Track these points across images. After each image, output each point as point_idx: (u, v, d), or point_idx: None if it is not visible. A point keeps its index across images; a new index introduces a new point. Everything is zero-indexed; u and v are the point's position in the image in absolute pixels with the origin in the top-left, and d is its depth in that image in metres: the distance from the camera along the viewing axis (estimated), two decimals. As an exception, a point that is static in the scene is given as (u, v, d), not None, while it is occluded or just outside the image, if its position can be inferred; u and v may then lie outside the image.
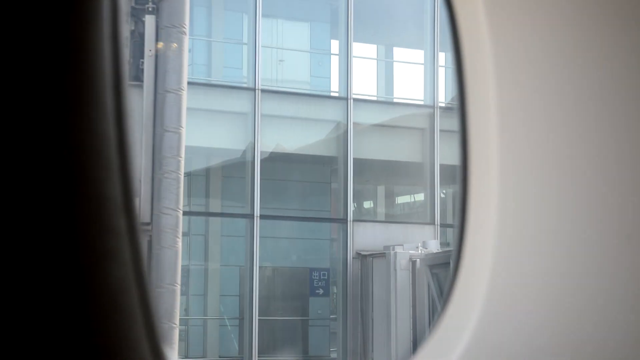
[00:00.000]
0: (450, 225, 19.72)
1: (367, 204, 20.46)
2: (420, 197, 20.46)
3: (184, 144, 9.79)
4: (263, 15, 18.42)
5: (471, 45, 1.69)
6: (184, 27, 9.52)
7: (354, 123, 18.70)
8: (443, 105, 19.66)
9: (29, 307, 0.80)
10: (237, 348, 18.18)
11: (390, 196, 20.68)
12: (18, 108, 0.83)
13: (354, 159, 18.57)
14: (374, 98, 19.87)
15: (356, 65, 19.17)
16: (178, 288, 10.39)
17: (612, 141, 1.65)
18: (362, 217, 19.47)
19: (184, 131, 9.65)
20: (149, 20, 10.40)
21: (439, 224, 19.12)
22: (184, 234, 18.81)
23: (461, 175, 1.74)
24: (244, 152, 18.14)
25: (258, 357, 17.47)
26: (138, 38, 10.60)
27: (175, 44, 9.92)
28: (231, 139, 18.17)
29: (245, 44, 18.65)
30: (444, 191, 19.90)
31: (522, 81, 1.68)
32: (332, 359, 18.62)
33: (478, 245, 1.72)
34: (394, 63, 20.41)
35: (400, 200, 21.27)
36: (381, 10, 19.87)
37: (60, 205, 0.82)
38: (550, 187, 1.68)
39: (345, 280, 18.31)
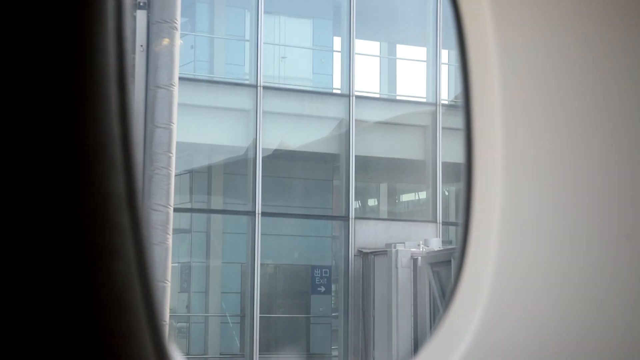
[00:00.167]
0: (452, 223, 19.72)
1: (372, 202, 20.47)
2: (422, 194, 20.46)
3: (175, 140, 9.77)
4: (265, 12, 18.42)
5: (476, 43, 1.68)
6: (176, 23, 9.48)
7: (356, 120, 18.70)
8: (446, 102, 19.65)
9: (33, 303, 0.80)
10: (238, 345, 18.19)
11: (392, 194, 20.68)
12: (22, 104, 0.83)
13: (356, 156, 18.56)
14: (376, 95, 19.86)
15: (359, 62, 19.17)
16: (168, 285, 10.40)
17: (616, 140, 1.64)
18: (366, 214, 19.48)
19: (175, 127, 9.63)
20: (140, 16, 10.37)
21: (440, 221, 19.12)
22: (185, 231, 18.85)
23: (465, 173, 1.73)
24: (246, 149, 18.14)
25: (259, 354, 17.48)
26: (129, 33, 10.54)
27: (168, 39, 9.89)
28: (233, 136, 18.17)
29: (248, 40, 18.65)
30: (448, 189, 19.89)
31: (527, 79, 1.67)
32: (333, 357, 18.63)
33: (482, 244, 1.72)
34: (397, 60, 20.40)
35: (402, 197, 21.27)
36: (384, 7, 19.86)
37: (64, 202, 0.82)
38: (554, 186, 1.68)
39: (346, 278, 18.32)
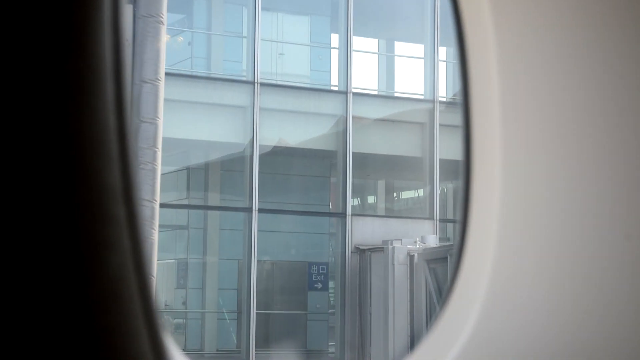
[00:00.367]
0: (450, 220, 19.73)
1: (369, 199, 20.48)
2: (419, 191, 20.47)
3: (160, 134, 9.76)
4: (263, 9, 18.40)
5: (475, 40, 1.68)
6: (162, 17, 9.45)
7: (354, 117, 18.70)
8: (444, 100, 19.65)
9: (28, 296, 0.80)
10: (235, 341, 18.20)
11: (389, 191, 20.69)
12: (18, 96, 0.83)
13: (353, 153, 18.57)
14: (374, 92, 19.86)
15: (357, 59, 19.16)
16: (154, 280, 10.45)
17: (615, 139, 1.64)
18: (363, 211, 19.48)
19: (161, 122, 9.62)
20: (126, 10, 10.34)
21: (438, 218, 19.13)
22: (183, 228, 18.85)
23: (464, 170, 1.73)
24: (243, 145, 18.14)
25: (256, 350, 17.49)
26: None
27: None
28: (230, 133, 18.17)
29: (245, 37, 18.64)
30: (446, 186, 19.90)
31: (526, 77, 1.67)
32: (330, 353, 18.65)
33: (480, 241, 1.72)
34: (395, 57, 20.40)
35: (400, 195, 21.28)
36: (382, 4, 19.85)
37: (59, 194, 0.82)
38: (553, 183, 1.68)
39: (343, 275, 18.33)
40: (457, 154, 17.94)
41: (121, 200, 0.84)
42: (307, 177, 19.15)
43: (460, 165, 1.79)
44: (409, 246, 17.04)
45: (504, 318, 1.71)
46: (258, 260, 17.89)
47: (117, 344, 0.83)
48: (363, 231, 18.44)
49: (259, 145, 17.95)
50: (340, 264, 18.46)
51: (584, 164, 1.66)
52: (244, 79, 18.36)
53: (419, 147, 19.31)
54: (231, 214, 18.52)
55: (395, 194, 21.05)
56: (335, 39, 19.46)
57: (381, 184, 20.43)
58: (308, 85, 19.09)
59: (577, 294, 1.68)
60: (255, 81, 18.08)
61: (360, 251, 18.19)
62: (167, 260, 18.86)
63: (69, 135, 0.83)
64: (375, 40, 20.36)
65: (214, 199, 18.71)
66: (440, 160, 19.06)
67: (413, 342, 16.25)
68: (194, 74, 18.53)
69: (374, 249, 17.81)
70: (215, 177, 18.67)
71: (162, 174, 18.77)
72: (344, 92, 18.74)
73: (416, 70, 19.91)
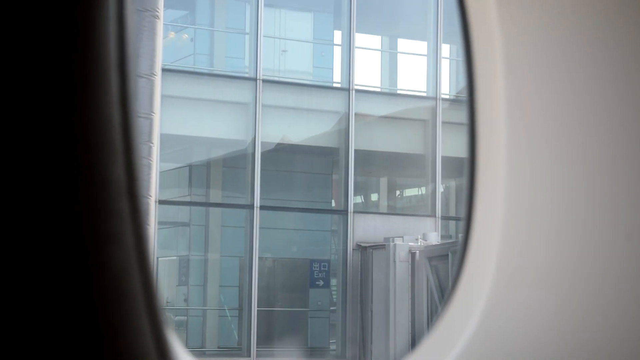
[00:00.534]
0: (452, 218, 19.72)
1: (371, 196, 20.48)
2: (422, 189, 20.46)
3: (157, 130, 9.77)
4: (266, 5, 18.39)
5: (481, 37, 1.68)
6: (157, 11, 9.44)
7: (359, 114, 18.70)
8: (447, 97, 19.64)
9: (32, 290, 0.80)
10: (236, 338, 18.21)
11: (392, 188, 20.68)
12: (23, 90, 0.82)
13: (355, 150, 18.56)
14: (377, 89, 19.85)
15: (360, 56, 19.16)
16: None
17: (619, 139, 1.64)
18: (365, 208, 19.49)
19: (156, 117, 9.63)
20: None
21: (440, 216, 19.12)
22: (185, 225, 18.85)
23: (469, 168, 1.73)
24: (245, 142, 18.14)
25: (257, 348, 17.50)
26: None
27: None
28: (233, 130, 18.17)
29: (248, 33, 18.63)
30: (448, 184, 19.89)
31: (531, 74, 1.67)
32: (331, 350, 18.65)
33: (484, 239, 1.71)
34: (398, 54, 20.39)
35: (402, 192, 21.27)
36: (385, 1, 19.84)
37: (63, 188, 0.82)
38: (557, 181, 1.67)
39: (345, 272, 18.33)
40: (459, 151, 17.95)
41: (125, 194, 0.84)
42: (309, 175, 19.15)
43: (462, 163, 1.78)
44: (410, 243, 17.04)
45: (507, 316, 1.71)
46: (260, 258, 17.90)
47: (120, 340, 0.83)
48: (365, 228, 18.44)
49: (262, 142, 17.95)
50: (341, 261, 18.46)
51: (588, 162, 1.65)
52: (247, 75, 18.36)
53: (421, 144, 19.31)
54: (233, 211, 18.52)
55: (397, 192, 21.05)
56: (338, 36, 19.45)
57: (383, 182, 20.43)
58: (310, 82, 19.08)
59: (580, 293, 1.68)
60: (258, 78, 18.07)
61: (361, 248, 18.19)
62: (169, 257, 18.87)
63: (73, 129, 0.83)
64: (378, 37, 20.35)
65: (216, 196, 18.72)
66: (442, 157, 19.05)
67: (414, 340, 16.25)
68: (197, 70, 18.53)
69: (375, 246, 17.81)
70: (217, 174, 18.67)
71: (164, 171, 18.80)
72: (346, 89, 18.74)
73: (419, 67, 19.90)
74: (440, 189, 19.38)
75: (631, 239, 1.63)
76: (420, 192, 20.57)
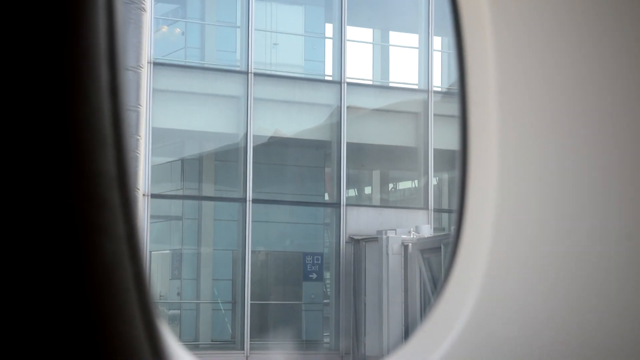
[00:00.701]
0: (444, 210, 19.75)
1: (367, 189, 20.49)
2: (415, 182, 20.48)
3: (143, 122, 9.77)
4: (257, -1, 18.37)
5: (473, 30, 1.68)
6: (143, 4, 9.43)
7: (351, 107, 18.69)
8: (439, 89, 19.65)
9: (22, 281, 0.80)
10: (230, 332, 18.22)
11: (384, 181, 20.70)
12: (11, 82, 0.82)
13: (348, 143, 18.57)
14: (369, 82, 19.85)
15: (351, 49, 19.14)
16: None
17: (616, 132, 1.64)
18: (357, 201, 19.50)
19: (143, 110, 9.63)
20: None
21: (432, 208, 19.15)
22: (177, 218, 18.84)
23: (460, 161, 1.73)
24: (237, 135, 18.12)
25: (250, 341, 17.51)
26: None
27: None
28: (224, 123, 18.15)
29: (239, 27, 18.60)
30: (442, 176, 19.91)
31: (523, 67, 1.67)
32: (325, 343, 18.68)
33: (476, 231, 1.72)
34: (390, 47, 20.38)
35: (394, 184, 21.29)
36: (376, -6, 19.83)
37: (54, 180, 0.81)
38: (548, 175, 1.68)
39: (338, 265, 18.35)
40: (451, 143, 17.97)
41: (116, 186, 0.84)
42: (301, 168, 19.15)
43: (455, 155, 1.78)
44: (403, 236, 17.06)
45: (498, 307, 1.72)
46: (253, 251, 17.90)
47: (111, 331, 0.83)
48: (358, 221, 18.46)
49: (254, 135, 17.93)
50: (334, 254, 18.48)
51: (578, 155, 1.66)
52: (238, 69, 18.33)
53: (413, 137, 19.32)
54: (226, 204, 18.51)
55: (390, 185, 21.06)
56: (329, 29, 19.43)
57: (376, 174, 20.44)
58: (302, 76, 19.07)
59: (570, 285, 1.68)
60: (249, 71, 18.05)
61: (354, 241, 18.21)
62: (162, 251, 18.87)
63: (63, 121, 0.83)
64: (370, 30, 20.34)
65: (208, 189, 18.70)
66: (435, 150, 19.07)
67: (407, 332, 16.29)
68: (188, 64, 18.50)
69: (368, 239, 17.83)
70: (210, 168, 18.65)
71: (156, 165, 18.77)
72: (338, 82, 18.73)
73: (411, 60, 19.90)
74: (433, 181, 19.41)
75: (618, 231, 1.64)
76: (413, 185, 20.60)
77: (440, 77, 20.00)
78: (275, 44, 19.01)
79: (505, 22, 1.65)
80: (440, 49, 19.88)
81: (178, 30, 19.00)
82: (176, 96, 17.77)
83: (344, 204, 18.47)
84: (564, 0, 1.64)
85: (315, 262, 18.67)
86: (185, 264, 18.53)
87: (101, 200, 0.83)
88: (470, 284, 1.71)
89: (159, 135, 17.55)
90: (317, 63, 19.62)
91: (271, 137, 18.40)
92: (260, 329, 17.93)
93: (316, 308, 18.88)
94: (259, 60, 18.36)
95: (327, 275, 18.87)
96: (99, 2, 0.86)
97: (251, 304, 17.69)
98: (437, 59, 19.78)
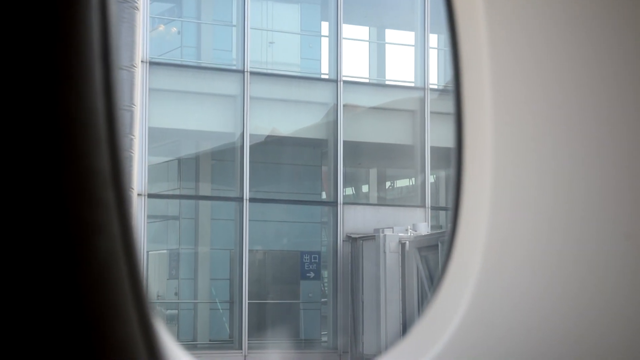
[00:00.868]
0: (441, 208, 19.75)
1: (364, 188, 20.49)
2: (412, 179, 20.49)
3: (137, 122, 9.77)
4: (253, -3, 18.36)
5: (467, 28, 1.68)
6: (137, 2, 9.44)
7: (347, 106, 18.69)
8: (435, 87, 19.65)
9: (17, 280, 0.79)
10: (228, 331, 18.22)
11: (381, 179, 20.70)
12: (6, 81, 0.82)
13: (344, 141, 18.57)
14: (365, 80, 19.85)
15: (348, 47, 19.14)
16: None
17: (614, 130, 1.65)
18: (354, 200, 19.50)
19: (137, 109, 9.63)
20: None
21: (429, 206, 19.16)
22: (174, 218, 18.83)
23: (456, 159, 1.74)
24: (234, 134, 18.12)
25: (248, 340, 17.51)
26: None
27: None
28: (221, 122, 18.14)
29: (235, 26, 18.59)
30: (439, 174, 19.92)
31: (517, 64, 1.67)
32: (323, 342, 18.68)
33: (471, 229, 1.72)
34: (386, 45, 20.38)
35: (391, 182, 21.29)
36: (372, -8, 19.83)
37: (48, 178, 0.81)
38: (543, 171, 1.68)
39: (335, 263, 18.36)
40: (448, 141, 17.96)
41: (110, 184, 0.84)
42: (298, 166, 19.15)
43: (451, 153, 1.79)
44: (400, 234, 17.07)
45: (494, 303, 1.72)
46: (250, 250, 17.90)
47: (106, 330, 0.83)
48: (355, 220, 18.46)
49: (250, 134, 17.93)
50: (332, 252, 18.48)
51: (572, 151, 1.66)
52: (234, 68, 18.32)
53: (410, 135, 19.32)
54: (223, 203, 18.51)
55: (388, 183, 21.07)
56: (325, 27, 19.43)
57: (373, 172, 20.44)
58: (298, 74, 19.06)
59: (564, 279, 1.69)
60: (246, 70, 18.04)
61: (352, 240, 18.21)
62: (159, 251, 18.85)
63: (57, 120, 0.83)
64: (366, 28, 20.34)
65: (205, 189, 18.70)
66: (432, 148, 19.07)
67: (405, 329, 16.29)
68: (184, 63, 18.49)
69: (365, 238, 17.83)
70: (207, 167, 18.65)
71: (153, 165, 18.75)
72: (334, 81, 18.73)
73: (407, 57, 19.90)
74: (430, 179, 19.41)
75: (612, 228, 1.64)
76: (410, 183, 20.60)
77: (437, 75, 20.00)
78: (271, 42, 19.00)
79: (499, 20, 1.65)
80: (436, 46, 19.88)
81: (174, 29, 18.99)
82: (172, 95, 17.77)
83: (341, 202, 18.47)
84: (559, 1, 1.64)
85: (312, 260, 18.67)
86: (182, 263, 18.52)
87: (96, 199, 0.82)
88: (466, 281, 1.71)
89: (155, 134, 17.54)
90: (313, 61, 19.62)
91: (268, 136, 18.40)
92: (258, 328, 17.94)
93: (314, 307, 18.88)
94: (255, 59, 18.35)
95: (324, 273, 18.87)
96: (92, 2, 0.86)
97: (249, 303, 17.69)
98: (433, 56, 19.79)
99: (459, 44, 1.70)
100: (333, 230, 18.50)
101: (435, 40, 19.86)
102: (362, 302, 17.68)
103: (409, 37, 19.98)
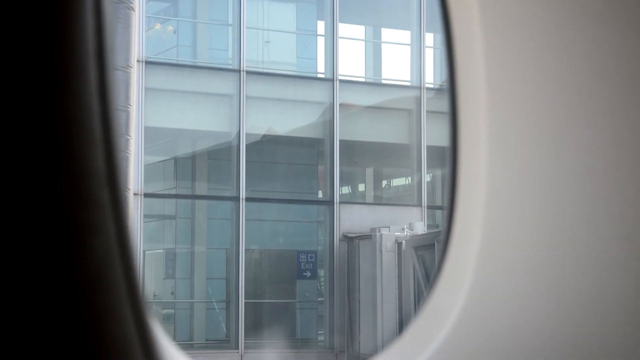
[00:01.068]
0: (437, 207, 19.77)
1: (360, 187, 20.49)
2: (408, 178, 20.49)
3: (133, 122, 9.77)
4: (249, -3, 18.35)
5: (462, 28, 1.68)
6: (132, 3, 9.43)
7: (344, 105, 18.69)
8: (431, 86, 19.66)
9: (12, 280, 0.79)
10: (224, 331, 18.21)
11: (377, 178, 20.71)
12: (0, 81, 0.82)
13: (341, 140, 18.57)
14: (361, 79, 19.85)
15: (344, 46, 19.14)
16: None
17: (604, 128, 1.65)
18: (350, 199, 19.50)
19: (133, 109, 9.63)
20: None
21: (426, 205, 19.16)
22: (170, 217, 18.82)
23: (451, 158, 1.74)
24: (230, 134, 18.11)
25: (245, 340, 17.51)
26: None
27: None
28: (217, 122, 18.13)
29: (231, 25, 18.58)
30: (435, 173, 19.93)
31: (513, 64, 1.67)
32: (319, 341, 18.68)
33: (467, 228, 1.73)
34: (382, 44, 20.38)
35: (388, 182, 21.30)
36: (367, -9, 19.83)
37: (43, 178, 0.81)
38: (538, 170, 1.68)
39: (332, 263, 18.36)
40: (444, 140, 17.96)
41: (105, 184, 0.83)
42: (294, 166, 19.15)
43: (447, 152, 1.79)
44: (396, 233, 17.07)
45: (490, 303, 1.72)
46: (246, 249, 17.89)
47: (102, 331, 0.83)
48: (351, 219, 18.46)
49: (246, 133, 17.92)
50: (328, 252, 18.48)
51: (571, 153, 1.66)
52: (230, 67, 18.31)
53: (406, 134, 19.33)
54: (219, 203, 18.50)
55: (384, 182, 21.07)
56: (321, 26, 19.42)
57: (369, 172, 20.45)
58: (295, 73, 19.06)
59: (559, 278, 1.69)
60: (242, 69, 18.04)
61: (348, 239, 18.21)
62: (156, 251, 18.84)
63: (52, 119, 0.83)
64: (362, 27, 20.34)
65: (201, 188, 18.69)
66: (428, 147, 19.08)
67: (401, 329, 16.30)
68: (180, 62, 18.48)
69: (362, 237, 17.84)
70: (203, 167, 18.64)
71: (149, 164, 18.73)
72: (330, 80, 18.72)
73: (403, 56, 19.90)
74: (426, 178, 19.42)
75: (608, 227, 1.65)
76: (406, 182, 20.61)
77: (433, 74, 20.01)
78: (267, 41, 18.99)
79: (494, 20, 1.65)
80: (432, 45, 19.89)
81: (170, 28, 18.98)
82: (168, 95, 17.75)
83: (338, 201, 18.47)
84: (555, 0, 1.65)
85: (309, 260, 18.67)
86: (179, 263, 18.51)
87: (91, 199, 0.82)
88: (461, 280, 1.72)
89: (151, 134, 17.53)
90: (309, 60, 19.61)
91: (264, 135, 18.40)
92: (255, 328, 17.93)
93: (310, 306, 18.88)
94: (251, 58, 18.35)
95: (321, 273, 18.88)
96: (87, 2, 0.86)
97: (245, 302, 17.68)
98: (429, 55, 19.79)
99: (453, 43, 1.70)
100: (329, 229, 18.50)
101: (431, 39, 19.86)
102: (359, 302, 17.69)
103: (405, 36, 19.98)
